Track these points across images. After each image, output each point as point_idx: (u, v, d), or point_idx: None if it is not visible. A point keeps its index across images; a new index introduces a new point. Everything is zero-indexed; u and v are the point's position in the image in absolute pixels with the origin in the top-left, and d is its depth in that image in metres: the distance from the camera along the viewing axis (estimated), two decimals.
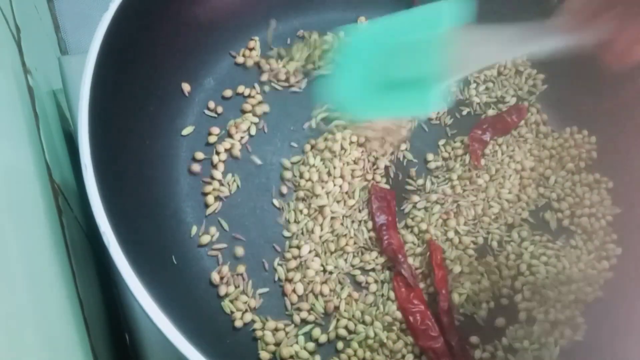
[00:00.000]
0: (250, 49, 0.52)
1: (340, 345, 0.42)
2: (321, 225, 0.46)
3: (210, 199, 0.45)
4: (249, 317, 0.42)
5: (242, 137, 0.49)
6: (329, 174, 0.47)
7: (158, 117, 0.46)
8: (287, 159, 0.48)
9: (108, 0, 0.41)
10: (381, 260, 0.45)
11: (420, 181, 0.49)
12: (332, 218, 0.46)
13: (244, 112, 0.50)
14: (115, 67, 0.40)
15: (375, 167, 0.49)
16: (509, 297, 0.46)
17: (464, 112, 0.53)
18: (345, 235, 0.46)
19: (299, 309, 0.43)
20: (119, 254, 0.33)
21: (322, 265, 0.44)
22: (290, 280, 0.44)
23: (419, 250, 0.46)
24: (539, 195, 0.50)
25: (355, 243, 0.46)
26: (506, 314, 0.45)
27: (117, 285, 0.44)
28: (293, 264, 0.44)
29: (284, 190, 0.47)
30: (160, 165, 0.45)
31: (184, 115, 0.48)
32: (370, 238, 0.46)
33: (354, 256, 0.45)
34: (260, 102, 0.50)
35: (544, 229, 0.49)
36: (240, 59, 0.52)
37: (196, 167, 0.46)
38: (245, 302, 0.42)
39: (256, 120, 0.49)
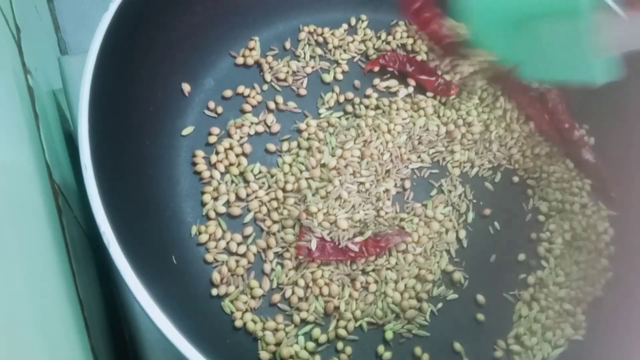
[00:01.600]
0: (250, 49, 0.52)
1: (340, 345, 0.42)
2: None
3: (209, 198, 0.45)
4: (249, 317, 0.42)
5: (241, 137, 0.49)
6: (328, 176, 0.47)
7: (158, 117, 0.46)
8: (287, 159, 0.48)
9: (108, 0, 0.41)
10: (381, 260, 0.45)
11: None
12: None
13: (243, 112, 0.50)
14: (115, 67, 0.40)
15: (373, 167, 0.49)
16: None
17: None
18: None
19: (299, 309, 0.43)
20: (119, 254, 0.33)
21: (322, 265, 0.44)
22: (290, 281, 0.44)
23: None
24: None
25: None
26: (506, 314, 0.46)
27: (117, 285, 0.44)
28: (293, 264, 0.44)
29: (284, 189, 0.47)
30: (160, 165, 0.45)
31: (184, 115, 0.48)
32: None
33: None
34: (260, 102, 0.50)
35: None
36: (240, 59, 0.52)
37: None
38: (245, 302, 0.42)
39: (256, 120, 0.49)
